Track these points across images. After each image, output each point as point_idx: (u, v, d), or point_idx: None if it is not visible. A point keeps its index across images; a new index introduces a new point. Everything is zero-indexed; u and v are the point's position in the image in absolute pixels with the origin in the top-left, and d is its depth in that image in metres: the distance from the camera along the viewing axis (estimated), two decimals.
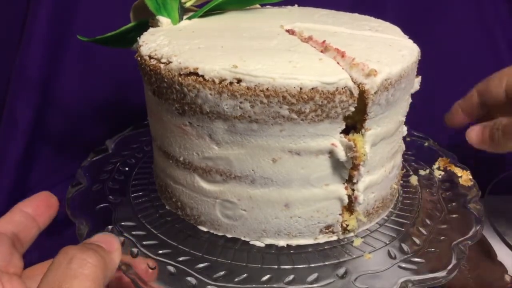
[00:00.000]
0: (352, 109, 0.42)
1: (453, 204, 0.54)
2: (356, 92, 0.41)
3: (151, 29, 0.52)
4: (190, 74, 0.41)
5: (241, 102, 0.40)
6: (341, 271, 0.44)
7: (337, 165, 0.44)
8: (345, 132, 0.44)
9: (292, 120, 0.41)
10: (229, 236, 0.48)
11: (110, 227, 0.48)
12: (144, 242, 0.47)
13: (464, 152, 0.64)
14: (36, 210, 0.45)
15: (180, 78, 0.42)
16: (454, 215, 0.52)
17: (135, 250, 0.45)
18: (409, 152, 0.64)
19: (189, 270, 0.43)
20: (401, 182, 0.57)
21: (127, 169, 0.60)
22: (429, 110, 0.79)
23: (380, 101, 0.42)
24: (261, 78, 0.39)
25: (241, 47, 0.45)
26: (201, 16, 0.55)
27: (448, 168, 0.60)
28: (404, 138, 0.67)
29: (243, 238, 0.47)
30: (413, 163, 0.62)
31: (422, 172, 0.60)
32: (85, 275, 0.33)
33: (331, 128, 0.42)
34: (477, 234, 0.48)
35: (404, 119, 0.49)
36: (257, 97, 0.40)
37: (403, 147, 0.55)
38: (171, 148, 0.48)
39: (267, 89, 0.40)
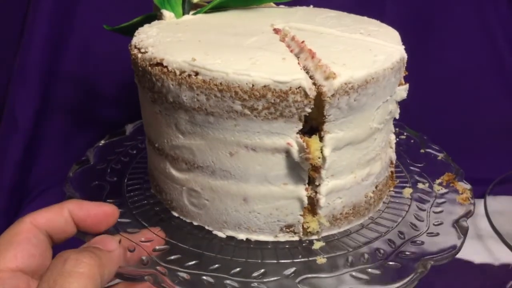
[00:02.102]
0: (308, 110, 0.41)
1: (440, 220, 0.51)
2: (312, 94, 0.41)
3: (153, 22, 0.55)
4: (158, 64, 0.44)
5: (197, 94, 0.42)
6: (289, 270, 0.44)
7: (295, 165, 0.44)
8: (310, 133, 0.44)
9: (246, 116, 0.42)
10: (195, 223, 0.49)
11: None
12: (119, 220, 0.50)
13: (465, 153, 0.62)
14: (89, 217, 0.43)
15: (150, 68, 0.44)
16: (435, 232, 0.49)
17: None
18: (419, 164, 0.62)
19: (145, 250, 0.45)
20: (392, 192, 0.55)
21: (134, 152, 0.63)
22: (429, 110, 0.77)
23: (340, 104, 0.42)
24: (215, 72, 0.41)
25: (216, 42, 0.47)
26: (206, 12, 0.57)
27: (452, 185, 0.57)
28: (417, 149, 0.65)
29: (206, 227, 0.49)
30: (415, 175, 0.59)
31: (420, 186, 0.57)
32: (80, 273, 0.33)
33: (287, 127, 0.42)
34: (449, 255, 0.46)
35: (380, 126, 0.47)
36: (211, 90, 0.41)
37: (392, 156, 0.53)
38: (150, 134, 0.50)
39: (220, 83, 0.41)
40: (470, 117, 0.81)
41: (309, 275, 0.43)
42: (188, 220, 0.50)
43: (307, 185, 0.45)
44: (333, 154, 0.44)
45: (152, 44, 0.46)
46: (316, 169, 0.44)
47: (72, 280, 0.33)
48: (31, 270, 0.37)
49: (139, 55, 0.46)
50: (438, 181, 0.58)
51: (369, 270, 0.44)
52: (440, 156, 0.63)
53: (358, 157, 0.47)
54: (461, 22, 0.78)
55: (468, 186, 0.56)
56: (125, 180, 0.57)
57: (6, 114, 0.77)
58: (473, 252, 0.62)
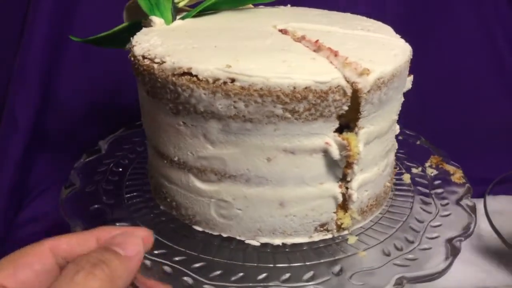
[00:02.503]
0: (346, 108, 0.42)
1: (446, 201, 0.54)
2: (349, 91, 0.41)
3: (144, 29, 0.52)
4: (184, 74, 0.42)
5: (235, 102, 0.40)
6: (336, 268, 0.44)
7: (331, 163, 0.44)
8: (338, 131, 0.44)
9: (286, 119, 0.41)
10: (224, 235, 0.48)
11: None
12: None
13: (465, 153, 0.65)
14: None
15: (174, 78, 0.42)
16: (446, 212, 0.52)
17: None
18: (401, 151, 0.64)
19: (185, 270, 0.43)
20: (394, 180, 0.57)
21: (120, 169, 0.60)
22: (429, 110, 0.80)
23: (373, 100, 0.43)
24: (254, 78, 0.40)
25: (235, 47, 0.45)
26: (194, 16, 0.55)
27: (440, 166, 0.61)
28: (396, 137, 0.68)
29: (238, 238, 0.47)
30: (405, 161, 0.62)
31: (414, 170, 0.60)
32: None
33: (325, 127, 0.42)
34: (470, 231, 0.49)
35: (397, 117, 0.49)
36: (251, 96, 0.40)
37: (396, 145, 0.55)
38: (166, 148, 0.48)
39: (261, 88, 0.40)
40: (470, 117, 0.82)
41: (358, 270, 0.44)
42: (215, 233, 0.48)
43: (340, 182, 0.46)
44: (364, 148, 0.45)
45: (165, 53, 0.44)
46: (349, 165, 0.44)
47: None
48: None
49: (155, 66, 0.43)
50: (427, 164, 0.61)
51: (408, 256, 0.45)
52: (419, 141, 0.67)
53: (381, 149, 0.48)
54: (461, 22, 0.79)
55: (458, 166, 0.60)
56: (125, 201, 0.53)
57: (6, 114, 0.76)
58: (473, 252, 0.63)
